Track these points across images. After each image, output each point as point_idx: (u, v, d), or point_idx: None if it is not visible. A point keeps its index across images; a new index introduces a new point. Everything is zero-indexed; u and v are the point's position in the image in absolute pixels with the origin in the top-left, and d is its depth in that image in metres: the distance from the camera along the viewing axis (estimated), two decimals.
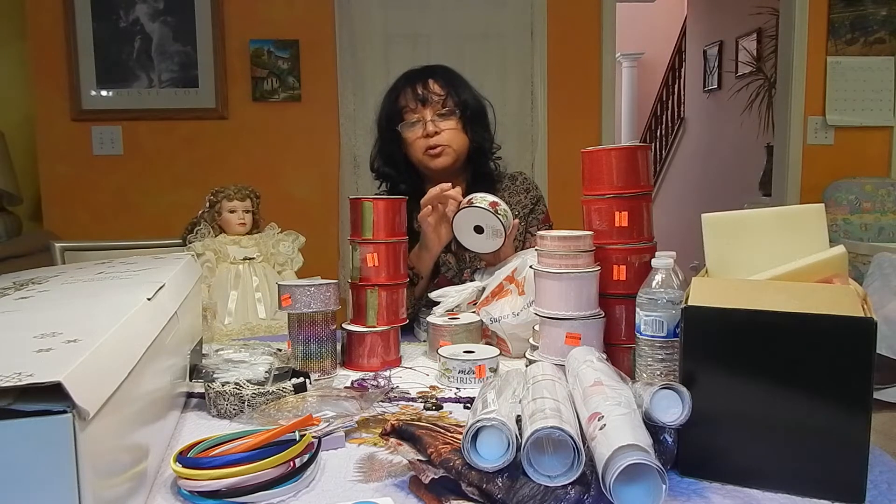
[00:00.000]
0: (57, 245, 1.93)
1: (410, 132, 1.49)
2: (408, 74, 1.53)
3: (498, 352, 1.15)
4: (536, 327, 1.06)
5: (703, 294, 0.75)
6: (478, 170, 1.56)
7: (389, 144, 1.53)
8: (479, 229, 1.31)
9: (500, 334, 1.23)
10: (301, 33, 3.01)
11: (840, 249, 0.85)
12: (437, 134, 1.47)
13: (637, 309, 0.87)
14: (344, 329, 1.23)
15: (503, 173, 1.61)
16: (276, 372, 1.00)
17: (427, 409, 0.97)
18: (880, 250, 2.55)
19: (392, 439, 0.74)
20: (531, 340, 1.09)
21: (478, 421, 0.68)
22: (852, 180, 3.20)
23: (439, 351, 1.14)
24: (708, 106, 5.68)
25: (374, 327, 1.20)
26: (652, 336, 0.85)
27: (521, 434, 0.68)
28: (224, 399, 0.93)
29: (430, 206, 1.35)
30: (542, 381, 0.79)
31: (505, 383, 0.81)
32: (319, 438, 0.79)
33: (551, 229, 1.50)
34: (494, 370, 1.11)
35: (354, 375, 1.14)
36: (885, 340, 1.97)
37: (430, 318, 1.28)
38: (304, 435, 0.77)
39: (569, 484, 0.65)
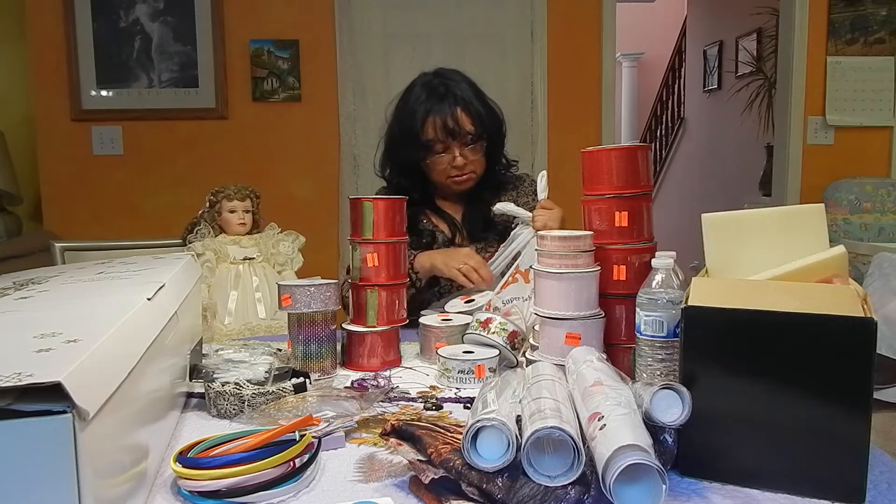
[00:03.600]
0: (57, 245, 1.93)
1: (437, 160, 1.50)
2: (430, 96, 1.48)
3: (497, 352, 1.15)
4: (536, 327, 1.06)
5: (704, 294, 0.75)
6: (487, 180, 1.58)
7: (406, 161, 1.54)
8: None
9: (516, 326, 1.23)
10: (301, 33, 3.01)
11: (840, 249, 0.85)
12: (464, 164, 1.49)
13: (637, 309, 0.87)
14: (344, 329, 1.23)
15: (509, 175, 1.62)
16: (276, 372, 1.00)
17: (427, 409, 0.97)
18: (880, 250, 2.55)
19: (392, 439, 0.74)
20: (531, 340, 1.09)
21: (478, 421, 0.68)
22: (852, 180, 3.19)
23: (439, 351, 1.14)
24: (708, 106, 5.68)
25: (374, 327, 1.20)
26: (652, 336, 0.85)
27: (521, 434, 0.68)
28: (224, 399, 0.93)
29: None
30: (542, 381, 0.79)
31: (505, 383, 0.82)
32: (319, 438, 0.79)
33: None
34: (494, 370, 1.11)
35: (354, 375, 1.14)
36: (885, 340, 1.97)
37: (423, 320, 1.28)
38: (304, 435, 0.77)
39: (569, 484, 0.65)
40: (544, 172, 1.42)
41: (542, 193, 1.40)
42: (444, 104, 1.46)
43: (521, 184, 1.62)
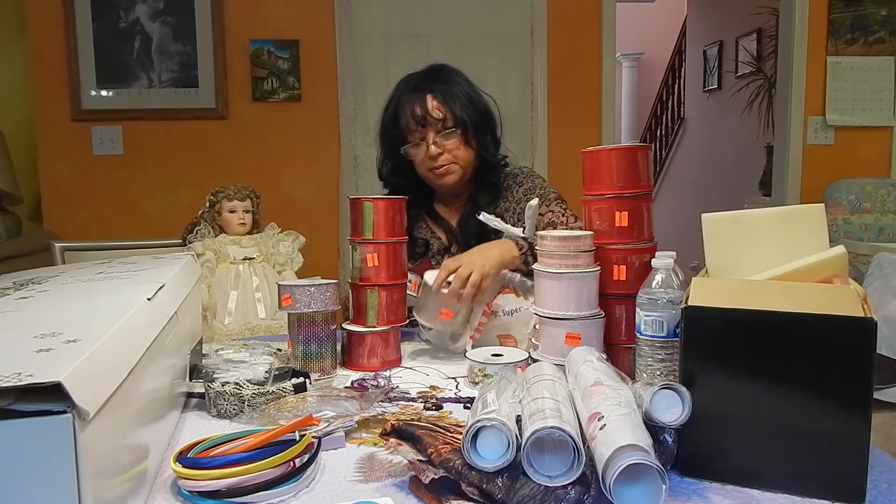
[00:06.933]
0: (57, 245, 1.93)
1: (415, 152, 1.46)
2: (405, 87, 1.48)
3: (527, 354, 1.13)
4: (537, 327, 1.06)
5: (703, 294, 0.75)
6: (482, 181, 1.53)
7: (395, 159, 1.51)
8: None
9: (509, 331, 1.23)
10: (301, 33, 3.01)
11: (840, 249, 0.85)
12: (440, 154, 1.44)
13: (637, 309, 0.87)
14: (344, 329, 1.23)
15: (509, 174, 1.57)
16: (276, 372, 1.00)
17: (427, 409, 0.97)
18: (880, 250, 2.55)
19: (392, 439, 0.74)
20: (532, 340, 1.09)
21: (478, 421, 0.68)
22: (852, 180, 3.19)
23: (470, 357, 1.11)
24: (708, 106, 5.68)
25: (374, 327, 1.20)
26: (652, 336, 0.85)
27: (521, 434, 0.68)
28: (224, 399, 0.93)
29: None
30: (542, 381, 0.79)
31: (505, 383, 0.81)
32: (319, 438, 0.79)
33: (565, 203, 1.48)
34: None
35: (354, 375, 1.14)
36: (885, 340, 1.97)
37: (427, 277, 1.24)
38: (304, 435, 0.77)
39: (569, 484, 0.65)
40: (535, 202, 1.27)
41: (528, 222, 1.28)
42: (415, 93, 1.45)
43: (514, 180, 1.55)
